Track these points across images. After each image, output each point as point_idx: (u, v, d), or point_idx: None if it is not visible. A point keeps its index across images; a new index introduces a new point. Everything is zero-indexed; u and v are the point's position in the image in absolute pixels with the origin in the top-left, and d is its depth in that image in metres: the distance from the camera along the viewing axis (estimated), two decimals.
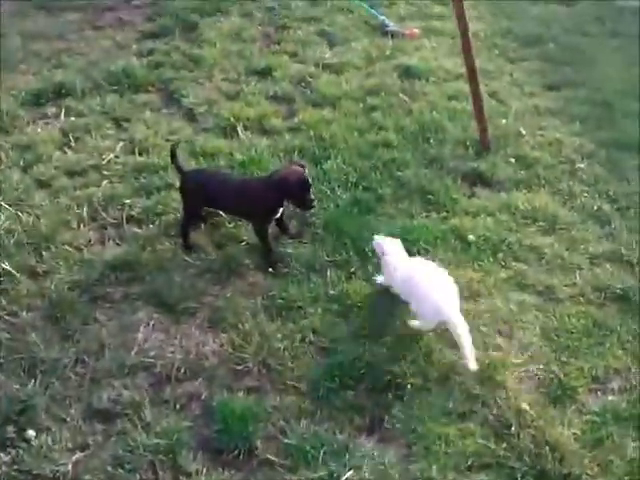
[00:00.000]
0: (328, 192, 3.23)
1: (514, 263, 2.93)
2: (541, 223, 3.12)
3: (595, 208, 3.21)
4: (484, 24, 4.67)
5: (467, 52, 3.29)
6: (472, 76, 3.35)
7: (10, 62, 4.38)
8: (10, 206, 3.21)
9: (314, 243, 3.00)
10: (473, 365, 2.43)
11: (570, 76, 4.14)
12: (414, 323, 2.61)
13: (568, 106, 3.87)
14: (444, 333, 2.54)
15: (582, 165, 3.44)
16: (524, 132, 3.63)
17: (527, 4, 4.91)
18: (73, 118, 3.82)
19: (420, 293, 2.56)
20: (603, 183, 3.35)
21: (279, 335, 2.61)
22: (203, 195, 2.95)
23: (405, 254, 2.73)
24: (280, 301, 2.75)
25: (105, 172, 3.41)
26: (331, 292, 2.77)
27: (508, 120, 3.71)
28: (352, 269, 2.87)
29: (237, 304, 2.75)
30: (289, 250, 2.93)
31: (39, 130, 3.74)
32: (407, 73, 4.07)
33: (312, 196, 2.83)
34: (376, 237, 2.77)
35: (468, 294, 2.76)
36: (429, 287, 2.55)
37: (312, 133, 3.58)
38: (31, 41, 4.62)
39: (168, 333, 2.67)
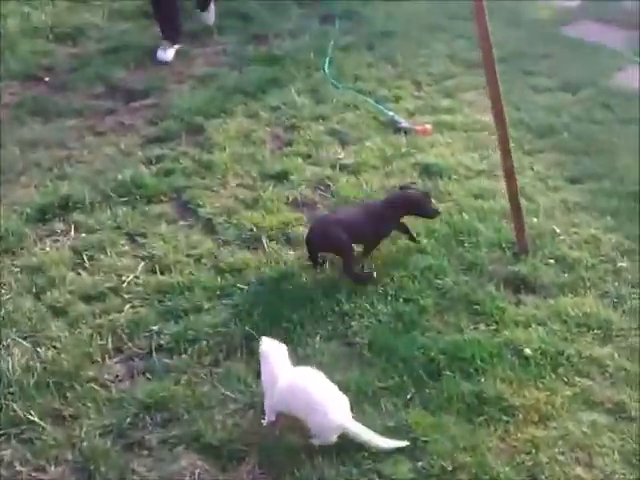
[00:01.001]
0: (367, 306, 3.05)
1: (577, 378, 2.75)
2: (596, 331, 2.97)
3: None
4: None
5: (505, 151, 3.20)
6: (510, 175, 3.25)
7: (10, 174, 4.20)
8: (25, 339, 2.98)
9: (361, 366, 2.80)
10: (384, 443, 2.43)
11: (590, 167, 4.08)
12: (314, 441, 2.49)
13: (596, 200, 3.79)
14: None
15: (624, 264, 3.32)
16: (558, 230, 3.52)
17: (531, 93, 4.90)
18: (84, 234, 3.61)
19: (314, 408, 2.46)
20: None
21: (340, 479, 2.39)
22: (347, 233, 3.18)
23: (288, 362, 2.62)
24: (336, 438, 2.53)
25: (126, 295, 3.19)
26: (389, 424, 2.56)
27: (539, 218, 3.59)
28: (408, 395, 2.67)
29: (288, 444, 2.52)
30: (338, 378, 2.72)
31: (48, 249, 3.52)
32: (427, 172, 3.96)
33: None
34: (264, 339, 2.66)
35: (537, 418, 2.57)
36: (322, 401, 2.46)
37: None
38: (30, 150, 4.43)
39: None
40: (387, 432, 2.53)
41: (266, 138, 4.41)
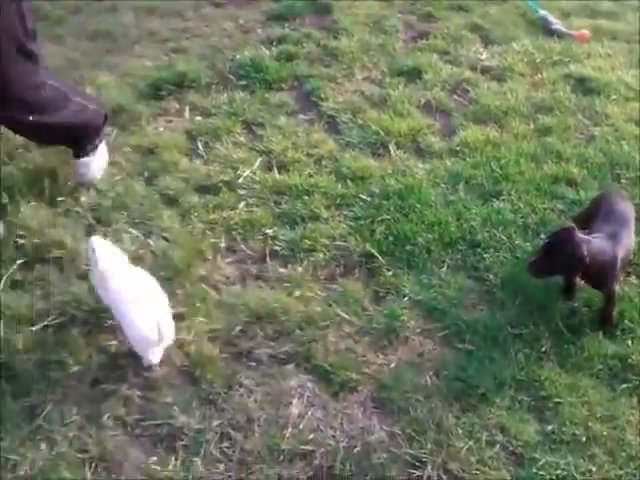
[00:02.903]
0: (504, 239, 2.75)
1: None
2: None
3: None
4: None
5: None
6: None
7: (124, 42, 3.98)
8: (136, 226, 2.84)
9: (491, 307, 2.55)
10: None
11: None
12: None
13: None
14: None
15: None
16: None
17: None
18: (198, 118, 3.39)
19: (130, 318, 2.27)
20: None
21: (460, 430, 2.19)
22: None
23: (123, 265, 2.38)
24: (457, 383, 2.32)
25: (241, 191, 2.98)
26: (519, 377, 2.33)
27: None
28: (543, 348, 2.41)
29: (405, 381, 2.33)
30: (464, 317, 2.48)
31: (161, 129, 3.33)
32: (581, 86, 3.51)
33: None
34: (93, 238, 2.38)
35: None
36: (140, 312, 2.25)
37: (478, 159, 3.09)
38: (145, 18, 4.19)
39: (326, 411, 2.27)
40: (515, 384, 2.31)
41: (399, 27, 4.00)
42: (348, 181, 3.01)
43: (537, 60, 3.70)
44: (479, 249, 2.73)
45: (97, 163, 3.00)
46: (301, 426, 2.22)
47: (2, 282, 2.55)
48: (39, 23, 4.12)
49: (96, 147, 2.98)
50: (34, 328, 2.41)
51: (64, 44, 3.94)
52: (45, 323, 2.43)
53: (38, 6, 4.30)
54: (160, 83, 3.57)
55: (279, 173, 3.06)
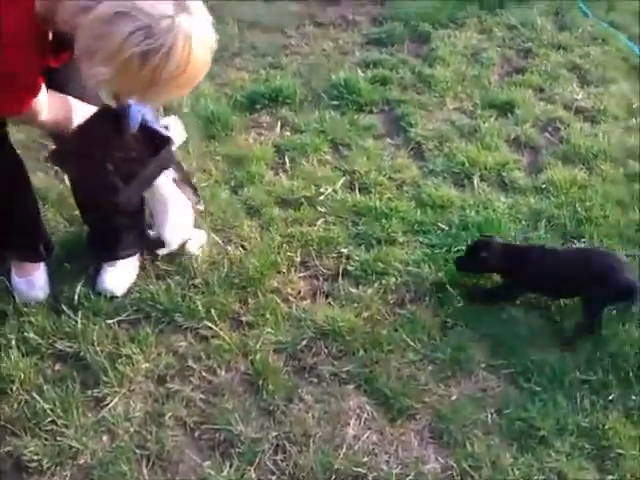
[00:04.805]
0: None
1: None
2: None
3: None
4: None
5: None
6: None
7: (225, 53, 4.11)
8: (217, 232, 2.93)
9: (563, 350, 2.50)
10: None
11: None
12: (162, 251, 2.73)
13: None
14: None
15: None
16: None
17: None
18: (288, 133, 3.48)
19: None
20: None
21: (516, 471, 2.14)
22: None
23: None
24: (518, 422, 2.28)
25: (321, 209, 3.03)
26: (582, 423, 2.27)
27: None
28: (610, 396, 2.34)
29: (464, 414, 2.31)
30: (532, 357, 2.44)
31: (251, 142, 3.43)
32: None
33: None
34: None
35: None
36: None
37: (563, 199, 3.04)
38: (248, 31, 4.32)
39: (382, 435, 2.27)
40: (578, 430, 2.25)
41: (496, 60, 3.98)
42: (428, 208, 3.02)
43: (634, 105, 3.62)
44: None
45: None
46: (356, 447, 2.23)
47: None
48: None
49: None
50: (110, 321, 2.52)
51: None
52: (120, 318, 2.54)
53: None
54: (255, 96, 3.68)
55: (360, 194, 3.10)
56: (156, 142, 2.19)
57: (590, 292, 2.49)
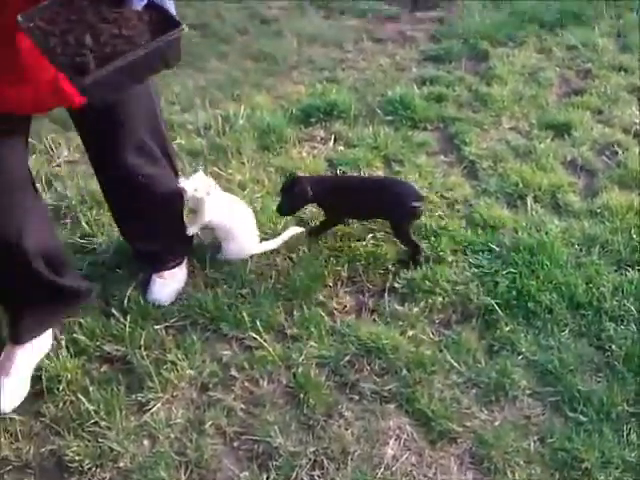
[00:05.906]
0: (634, 311, 2.62)
1: None
2: None
3: None
4: None
5: None
6: None
7: (284, 66, 4.17)
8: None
9: (610, 380, 2.43)
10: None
11: None
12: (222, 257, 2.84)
13: None
14: None
15: None
16: None
17: None
18: (341, 147, 3.50)
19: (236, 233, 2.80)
20: None
21: None
22: None
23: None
24: (562, 452, 2.22)
25: (370, 225, 3.04)
26: (628, 458, 2.20)
27: None
28: None
29: (507, 441, 2.26)
30: (579, 385, 2.39)
31: (304, 155, 3.46)
32: None
33: None
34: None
35: None
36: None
37: (618, 224, 2.97)
38: (306, 44, 4.37)
39: (421, 457, 2.24)
40: (623, 464, 2.18)
41: (554, 80, 3.94)
42: (479, 228, 2.99)
43: None
44: (605, 317, 2.61)
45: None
46: (394, 468, 2.21)
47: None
48: (208, 40, 4.47)
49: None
50: (157, 327, 2.57)
51: (228, 62, 4.20)
52: (167, 324, 2.59)
53: (208, 23, 4.64)
54: (311, 110, 3.72)
55: None
56: (164, 27, 1.67)
57: (389, 214, 2.85)
